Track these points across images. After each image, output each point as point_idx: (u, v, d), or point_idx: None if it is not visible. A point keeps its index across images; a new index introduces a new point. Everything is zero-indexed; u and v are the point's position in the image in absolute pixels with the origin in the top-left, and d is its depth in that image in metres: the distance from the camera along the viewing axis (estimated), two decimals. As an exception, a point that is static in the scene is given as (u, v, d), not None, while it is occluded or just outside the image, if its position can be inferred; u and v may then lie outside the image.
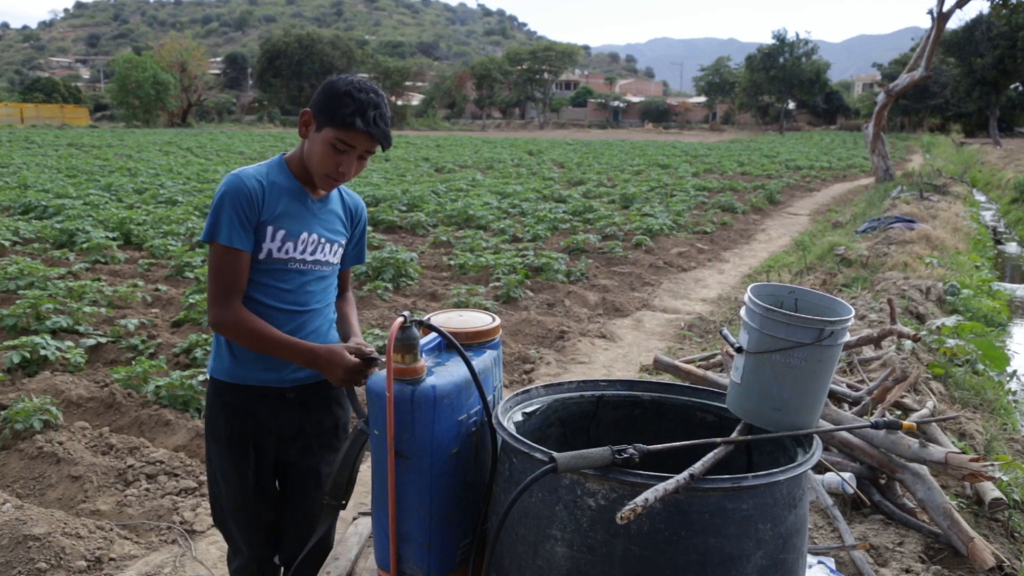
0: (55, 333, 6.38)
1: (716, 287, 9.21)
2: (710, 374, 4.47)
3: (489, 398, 2.05)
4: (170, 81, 64.23)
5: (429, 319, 2.07)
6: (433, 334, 2.08)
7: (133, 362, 5.67)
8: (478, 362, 2.04)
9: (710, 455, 1.83)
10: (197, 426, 4.78)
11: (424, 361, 1.96)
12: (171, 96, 65.25)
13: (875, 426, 2.08)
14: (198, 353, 5.86)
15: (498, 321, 2.24)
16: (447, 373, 1.97)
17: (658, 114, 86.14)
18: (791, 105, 75.03)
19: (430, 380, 1.92)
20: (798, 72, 68.17)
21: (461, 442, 1.99)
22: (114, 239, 10.63)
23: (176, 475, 4.20)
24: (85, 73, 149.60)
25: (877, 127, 19.95)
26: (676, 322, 7.57)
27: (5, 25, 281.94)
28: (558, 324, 7.14)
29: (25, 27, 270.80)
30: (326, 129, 2.16)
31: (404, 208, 14.52)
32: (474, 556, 2.08)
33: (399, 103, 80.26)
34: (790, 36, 69.24)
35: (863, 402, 3.94)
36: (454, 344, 1.98)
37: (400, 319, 1.91)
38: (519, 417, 2.09)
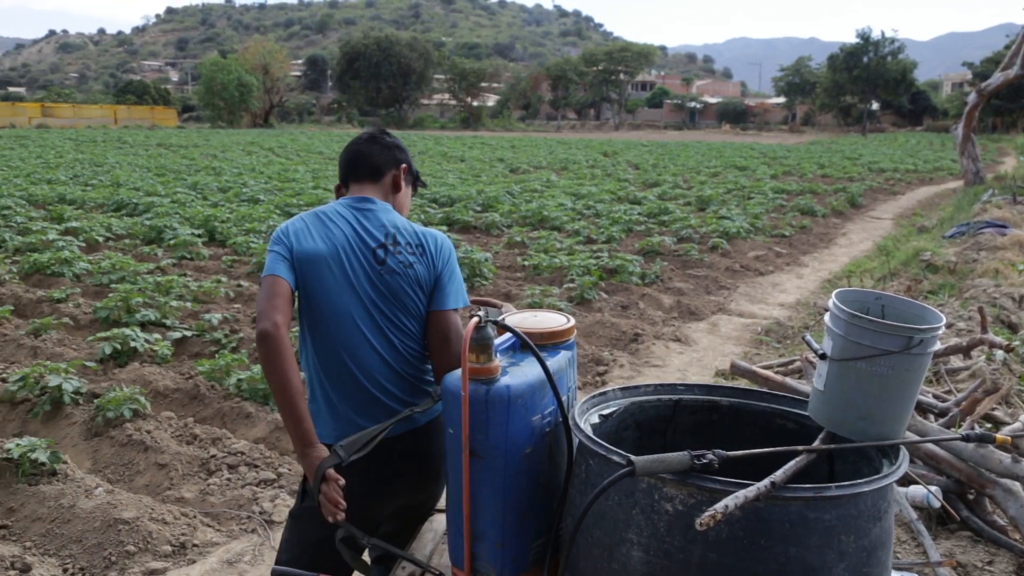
0: (144, 326, 6.62)
1: (794, 292, 9.02)
2: (789, 380, 4.37)
3: (564, 399, 2.04)
4: (253, 83, 65.99)
5: (504, 319, 2.07)
6: (508, 334, 2.08)
7: (216, 355, 5.84)
8: (552, 362, 2.02)
9: (791, 463, 1.80)
10: (276, 419, 4.90)
11: (499, 361, 1.96)
12: (254, 97, 67.02)
13: (966, 439, 2.01)
14: (278, 348, 5.99)
15: (572, 322, 2.23)
16: (521, 373, 1.97)
17: (736, 115, 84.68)
18: (875, 106, 72.72)
19: (504, 380, 1.92)
20: (883, 72, 66.07)
21: (535, 442, 1.98)
22: (199, 236, 10.97)
23: (256, 466, 4.31)
24: (174, 76, 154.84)
25: (967, 128, 19.24)
26: (753, 327, 7.44)
27: (102, 31, 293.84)
28: (632, 326, 7.09)
29: (120, 32, 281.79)
30: (409, 187, 2.52)
31: (479, 208, 14.61)
32: (549, 557, 2.08)
33: (475, 104, 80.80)
34: (875, 35, 67.21)
35: (950, 413, 3.81)
36: (528, 344, 1.98)
37: (475, 319, 1.92)
38: (596, 419, 2.09)
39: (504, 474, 1.94)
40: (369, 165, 2.38)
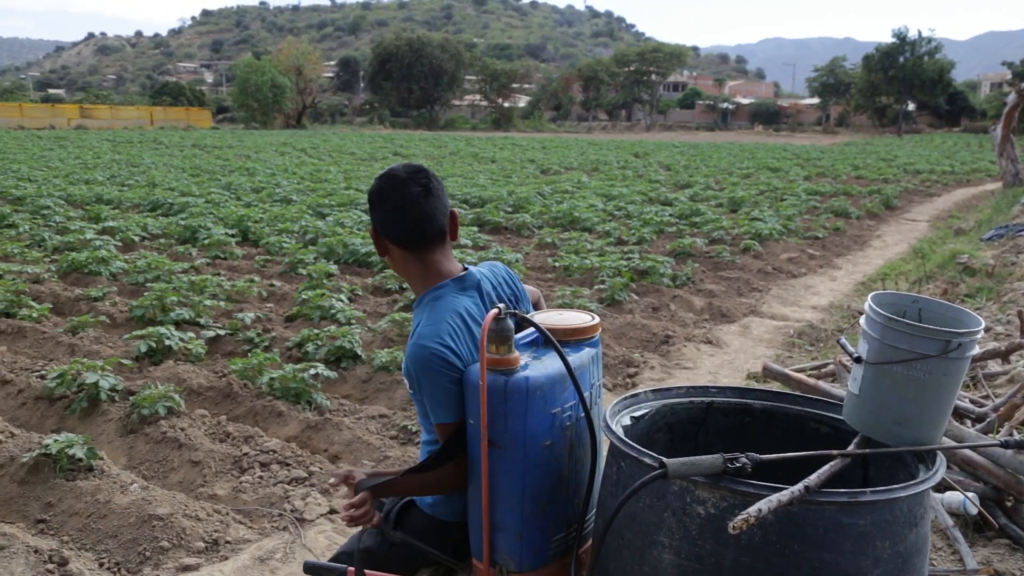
0: (178, 324, 6.71)
1: (828, 294, 8.92)
2: (822, 384, 4.33)
3: (586, 395, 2.04)
4: (287, 84, 66.54)
5: (528, 314, 2.08)
6: (531, 328, 2.09)
7: (249, 354, 5.90)
8: (574, 358, 2.03)
9: (826, 467, 1.78)
10: (307, 418, 4.94)
11: (519, 353, 1.97)
12: (287, 98, 67.57)
13: (1005, 445, 1.98)
14: (310, 347, 6.05)
15: (597, 319, 2.22)
16: (542, 366, 1.98)
17: (768, 116, 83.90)
18: (911, 106, 71.74)
19: (524, 372, 1.94)
20: (919, 72, 65.14)
21: (555, 435, 1.99)
22: (233, 236, 11.09)
23: (288, 464, 4.35)
24: (209, 77, 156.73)
25: (1007, 129, 18.93)
26: (785, 329, 7.37)
27: (139, 33, 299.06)
28: (663, 328, 7.05)
29: (156, 35, 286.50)
30: None
31: (510, 209, 14.62)
32: (574, 557, 2.07)
33: (506, 105, 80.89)
34: (912, 34, 66.29)
35: (988, 419, 3.75)
36: (547, 336, 1.98)
37: (495, 310, 1.93)
38: (627, 421, 2.08)
39: (523, 465, 1.95)
40: (438, 228, 2.16)
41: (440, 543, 2.19)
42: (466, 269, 2.20)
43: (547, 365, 1.99)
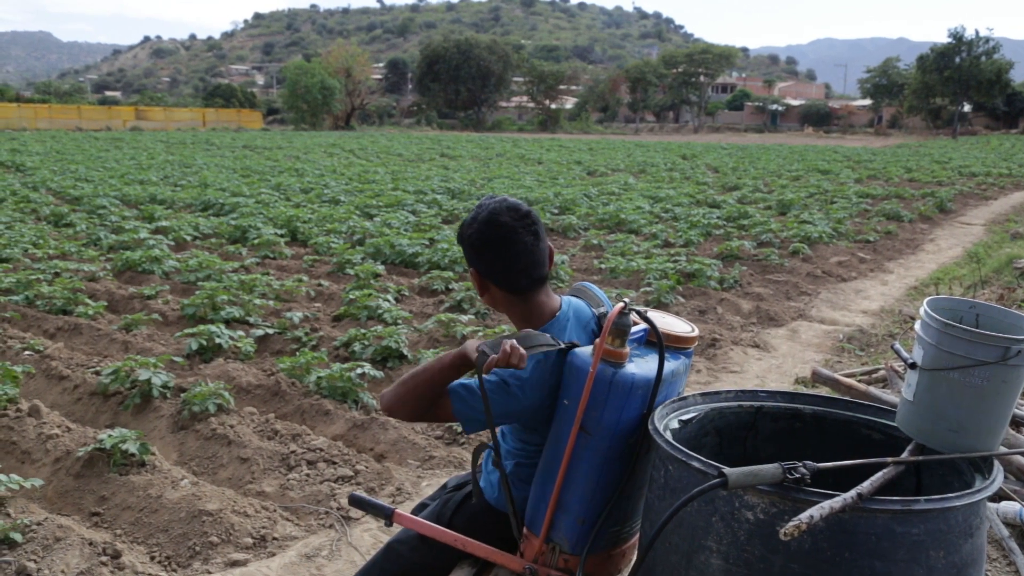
0: (228, 323, 6.81)
1: (878, 299, 8.75)
2: (872, 389, 4.25)
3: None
4: (336, 86, 67.32)
5: (646, 312, 2.10)
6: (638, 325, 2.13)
7: (297, 353, 5.97)
8: (669, 366, 2.07)
9: (879, 475, 1.74)
10: (354, 417, 4.98)
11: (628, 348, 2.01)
12: (336, 100, 68.36)
13: (1066, 455, 1.92)
14: (356, 347, 6.11)
15: (697, 331, 2.25)
16: (647, 366, 2.02)
17: (819, 117, 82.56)
18: (966, 108, 70.00)
19: (631, 367, 1.98)
20: (976, 72, 63.53)
21: (642, 434, 2.03)
22: (282, 236, 11.25)
23: (334, 463, 4.39)
24: (260, 79, 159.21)
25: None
26: (834, 334, 7.25)
27: (193, 36, 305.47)
28: (710, 331, 6.98)
29: (210, 38, 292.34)
30: None
31: (556, 211, 14.60)
32: (583, 556, 2.07)
33: (553, 106, 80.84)
34: (968, 34, 64.72)
35: (1047, 428, 3.64)
36: (660, 341, 2.02)
37: (621, 304, 1.97)
38: (675, 424, 2.06)
39: (606, 456, 2.00)
40: (545, 271, 2.17)
41: (491, 533, 2.22)
42: (559, 303, 2.23)
43: (651, 366, 2.03)
